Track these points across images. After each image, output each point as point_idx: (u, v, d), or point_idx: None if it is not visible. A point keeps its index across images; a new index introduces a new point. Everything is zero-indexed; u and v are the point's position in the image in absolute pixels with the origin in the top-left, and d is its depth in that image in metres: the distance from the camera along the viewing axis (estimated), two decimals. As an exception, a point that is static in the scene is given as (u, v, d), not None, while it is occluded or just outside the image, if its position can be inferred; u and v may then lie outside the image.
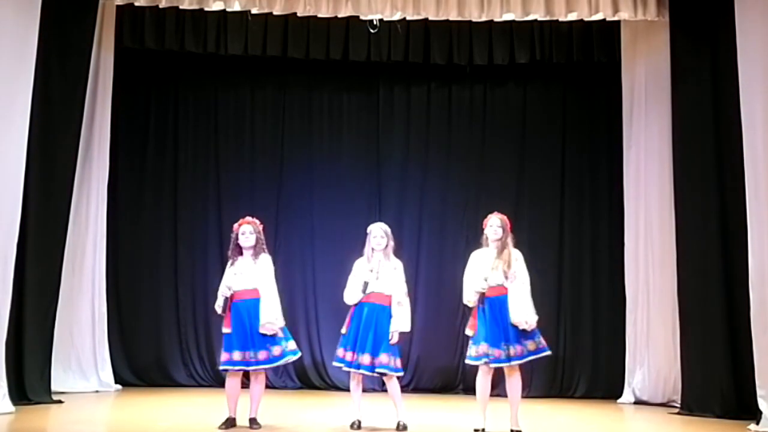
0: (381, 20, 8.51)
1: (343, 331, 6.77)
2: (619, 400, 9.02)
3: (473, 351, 6.59)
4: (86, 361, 8.91)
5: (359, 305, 6.71)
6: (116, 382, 9.13)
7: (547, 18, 8.38)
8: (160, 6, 8.43)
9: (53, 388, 8.15)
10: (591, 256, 9.67)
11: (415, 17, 8.49)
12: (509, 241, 6.67)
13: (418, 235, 9.79)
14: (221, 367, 6.76)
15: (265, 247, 6.77)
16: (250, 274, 6.64)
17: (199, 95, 9.98)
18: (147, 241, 9.71)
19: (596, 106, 9.84)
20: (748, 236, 7.22)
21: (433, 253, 9.67)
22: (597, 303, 9.60)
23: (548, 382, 9.41)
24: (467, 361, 6.75)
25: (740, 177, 7.38)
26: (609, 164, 9.65)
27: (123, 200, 9.62)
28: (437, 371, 9.52)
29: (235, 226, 6.79)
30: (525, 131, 9.90)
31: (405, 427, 6.70)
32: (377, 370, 6.60)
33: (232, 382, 6.68)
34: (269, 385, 9.19)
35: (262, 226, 6.83)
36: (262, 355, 6.55)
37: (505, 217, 6.75)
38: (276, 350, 6.58)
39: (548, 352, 6.63)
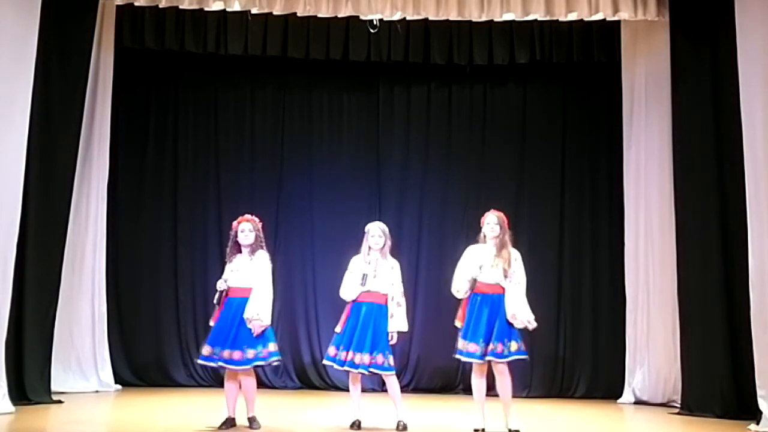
0: (381, 20, 8.50)
1: (338, 329, 6.72)
2: (619, 400, 9.01)
3: (460, 344, 6.54)
4: (86, 361, 8.90)
5: (357, 304, 6.69)
6: (116, 382, 9.13)
7: (547, 18, 8.38)
8: (160, 6, 8.42)
9: (53, 388, 8.13)
10: (591, 256, 9.67)
11: (415, 17, 8.49)
12: (508, 239, 6.60)
13: (417, 235, 9.80)
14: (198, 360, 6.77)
15: (263, 244, 6.71)
16: (245, 271, 6.58)
17: (199, 95, 9.98)
18: (147, 241, 9.72)
19: (596, 106, 9.84)
20: (748, 236, 7.21)
21: (433, 253, 9.65)
22: (597, 303, 9.60)
23: (548, 382, 9.42)
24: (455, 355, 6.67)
25: (740, 177, 7.37)
26: (609, 164, 9.66)
27: (123, 200, 9.62)
28: (437, 371, 9.51)
29: (234, 223, 6.74)
30: (525, 131, 9.90)
31: (405, 427, 6.68)
32: (371, 369, 6.58)
33: (229, 381, 6.64)
34: (269, 385, 9.26)
35: (261, 224, 6.79)
36: (236, 355, 6.45)
37: (502, 215, 6.68)
38: (250, 353, 6.45)
39: (526, 356, 6.59)
